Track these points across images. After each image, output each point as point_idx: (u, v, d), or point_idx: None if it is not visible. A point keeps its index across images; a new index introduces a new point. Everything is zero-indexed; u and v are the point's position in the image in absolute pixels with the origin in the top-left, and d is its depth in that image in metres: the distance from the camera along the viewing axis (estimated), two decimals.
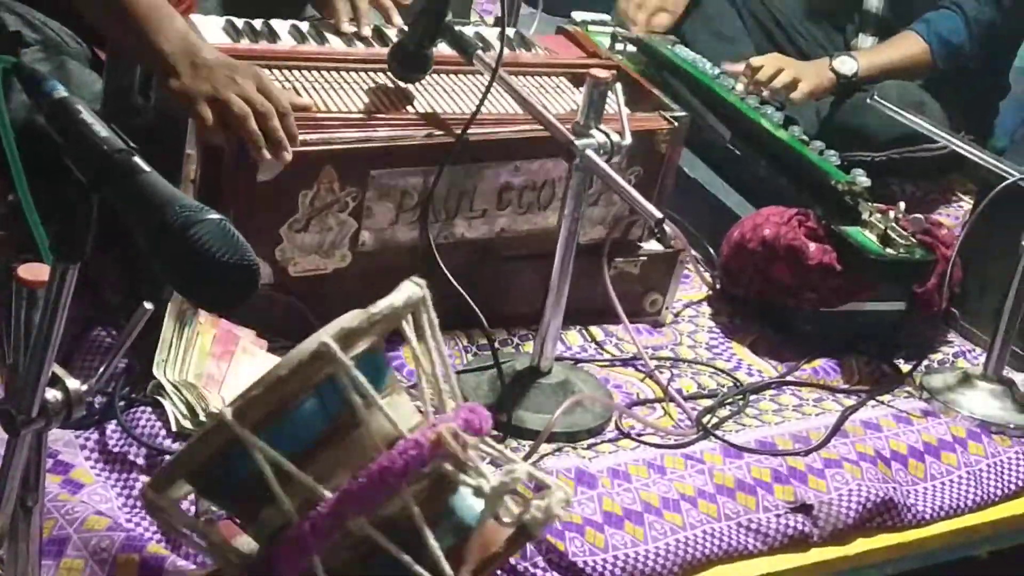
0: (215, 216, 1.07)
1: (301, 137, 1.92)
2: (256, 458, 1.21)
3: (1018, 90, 3.63)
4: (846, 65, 2.94)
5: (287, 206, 1.95)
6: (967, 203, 3.02)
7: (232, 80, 1.90)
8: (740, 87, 2.82)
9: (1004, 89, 3.40)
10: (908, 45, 3.03)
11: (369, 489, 1.21)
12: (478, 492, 1.23)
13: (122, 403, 1.81)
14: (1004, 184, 2.24)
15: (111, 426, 1.78)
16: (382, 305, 1.28)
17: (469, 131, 2.04)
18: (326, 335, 1.23)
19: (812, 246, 2.29)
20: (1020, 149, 3.44)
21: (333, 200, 1.98)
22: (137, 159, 1.11)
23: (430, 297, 1.34)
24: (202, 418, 1.78)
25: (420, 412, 1.34)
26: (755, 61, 2.88)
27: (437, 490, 1.27)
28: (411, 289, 1.31)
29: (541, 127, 1.98)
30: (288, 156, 1.89)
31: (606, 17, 3.05)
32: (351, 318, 1.26)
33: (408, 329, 1.33)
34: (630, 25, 3.07)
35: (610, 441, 2.00)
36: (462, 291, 1.97)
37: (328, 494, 1.22)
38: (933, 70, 3.04)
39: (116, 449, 1.75)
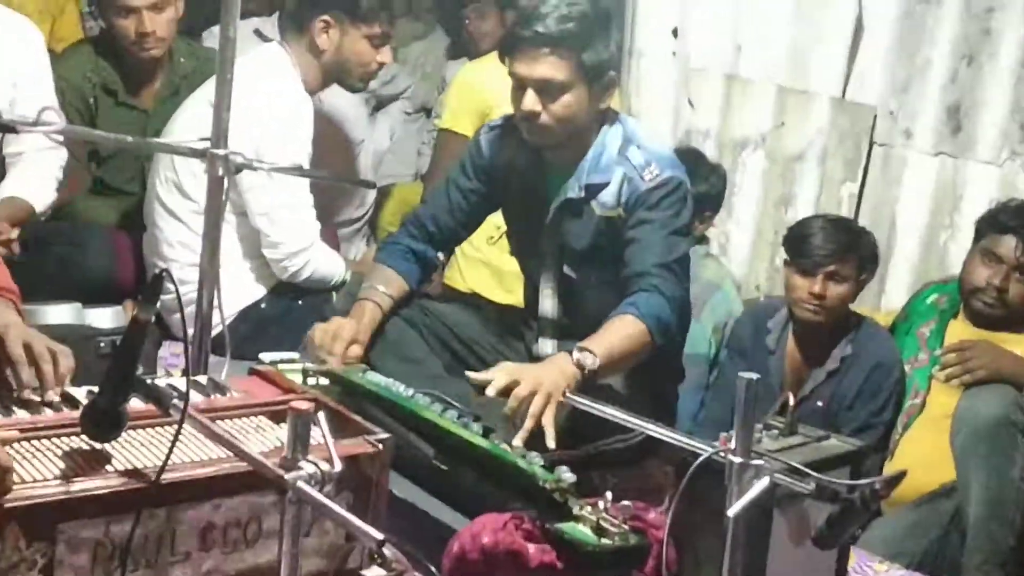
0: None
1: None
2: None
3: (692, 375, 3.84)
4: (588, 359, 2.90)
5: None
6: (667, 485, 3.10)
7: None
8: (518, 441, 2.70)
9: (680, 374, 3.57)
10: (628, 327, 3.02)
11: None
12: None
13: None
14: (700, 460, 2.31)
15: None
16: None
17: (165, 475, 1.99)
18: None
19: (531, 548, 2.29)
20: (705, 430, 3.61)
21: (20, 559, 1.87)
22: None
23: None
24: None
25: None
26: (490, 375, 2.84)
27: None
28: None
29: (242, 464, 1.95)
30: None
31: (294, 355, 3.08)
32: None
33: None
34: (326, 358, 3.11)
35: None
36: None
37: None
38: (653, 349, 3.06)
39: None
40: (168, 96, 4.33)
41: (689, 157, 3.94)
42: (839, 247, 3.72)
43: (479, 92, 4.58)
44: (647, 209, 3.18)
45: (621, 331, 3.02)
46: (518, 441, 2.71)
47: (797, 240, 3.80)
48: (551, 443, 2.73)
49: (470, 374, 2.92)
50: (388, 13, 4.08)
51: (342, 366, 3.08)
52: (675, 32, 5.17)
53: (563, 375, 2.86)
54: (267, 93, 3.83)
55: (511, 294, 4.26)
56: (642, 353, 3.06)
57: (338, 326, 3.20)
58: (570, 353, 2.94)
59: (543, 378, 2.84)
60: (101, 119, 4.28)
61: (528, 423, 2.76)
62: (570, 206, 3.28)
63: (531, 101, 3.14)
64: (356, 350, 3.19)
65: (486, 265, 4.59)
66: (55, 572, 1.91)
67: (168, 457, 2.00)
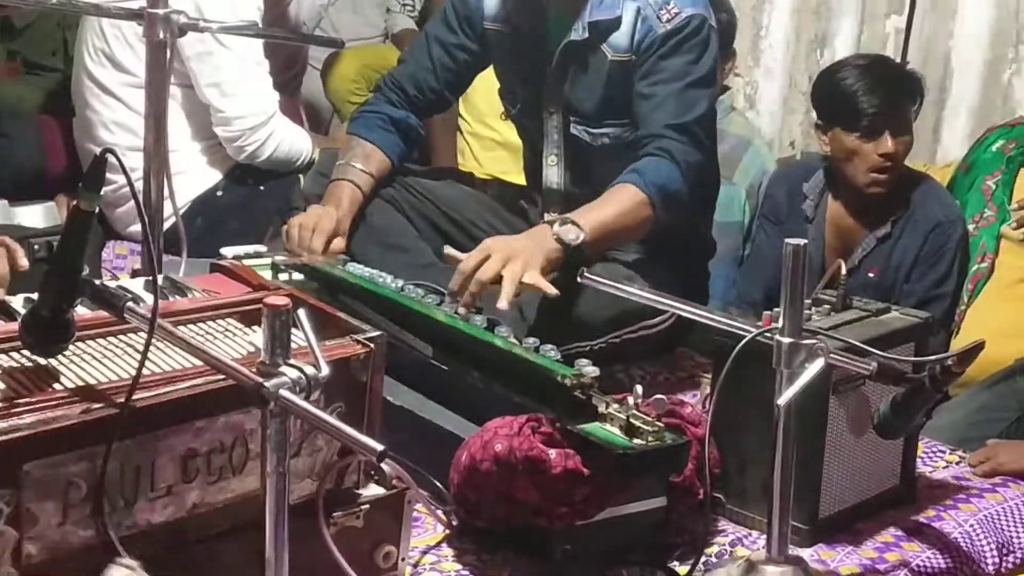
0: None
1: None
2: None
3: (724, 247, 3.84)
4: (571, 233, 2.88)
5: None
6: (702, 376, 3.13)
7: None
8: (462, 310, 2.75)
9: (711, 247, 3.56)
10: (626, 199, 3.02)
11: None
12: None
13: None
14: (744, 342, 2.30)
15: None
16: None
17: (136, 396, 1.97)
18: None
19: (552, 453, 2.30)
20: (741, 310, 3.62)
21: None
22: None
23: None
24: None
25: None
26: (465, 264, 2.82)
27: None
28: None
29: (221, 377, 1.94)
30: None
31: (260, 247, 3.07)
32: None
33: None
34: (305, 256, 3.11)
35: None
36: None
37: None
38: (655, 224, 3.06)
39: None
40: None
41: None
42: (897, 93, 3.68)
43: None
44: (661, 57, 3.16)
45: (617, 203, 3.02)
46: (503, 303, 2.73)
47: (841, 101, 3.72)
48: (551, 291, 2.76)
49: (448, 250, 2.91)
50: None
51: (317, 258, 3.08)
52: None
53: (540, 248, 2.86)
54: None
55: None
56: (641, 228, 3.07)
57: (317, 217, 3.20)
58: (551, 225, 2.93)
59: (516, 248, 2.84)
60: None
61: (506, 288, 2.75)
62: (575, 51, 3.25)
63: None
64: (339, 243, 3.21)
65: (503, 145, 4.59)
66: (23, 523, 1.88)
67: (139, 373, 1.98)
